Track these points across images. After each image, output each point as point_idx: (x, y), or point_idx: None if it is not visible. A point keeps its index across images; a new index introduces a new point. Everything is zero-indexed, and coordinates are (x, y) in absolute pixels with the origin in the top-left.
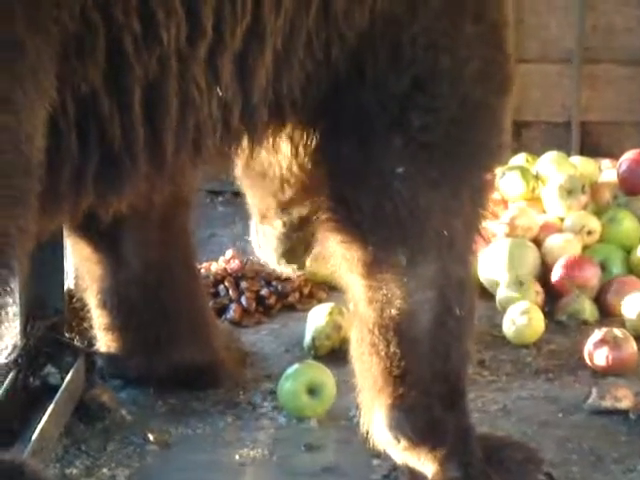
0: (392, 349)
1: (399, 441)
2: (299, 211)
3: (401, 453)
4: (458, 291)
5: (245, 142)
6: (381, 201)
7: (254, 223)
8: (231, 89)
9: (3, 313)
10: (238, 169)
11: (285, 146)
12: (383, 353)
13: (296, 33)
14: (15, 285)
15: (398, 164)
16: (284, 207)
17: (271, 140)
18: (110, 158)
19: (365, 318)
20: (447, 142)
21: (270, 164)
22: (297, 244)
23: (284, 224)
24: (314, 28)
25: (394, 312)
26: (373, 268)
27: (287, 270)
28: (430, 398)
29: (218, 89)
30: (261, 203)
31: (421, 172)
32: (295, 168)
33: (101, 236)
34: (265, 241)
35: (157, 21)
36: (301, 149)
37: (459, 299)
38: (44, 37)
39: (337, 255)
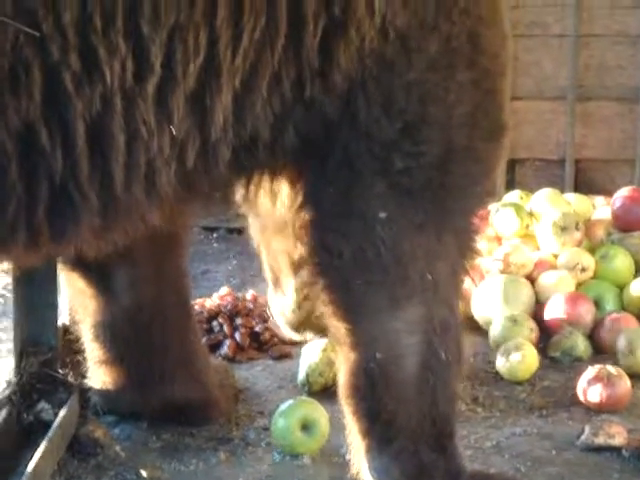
0: (377, 394)
1: None
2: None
3: None
4: (443, 335)
5: (212, 184)
6: (363, 246)
7: (270, 291)
8: (184, 127)
9: None
10: (252, 227)
11: (282, 195)
12: (369, 397)
13: (259, 72)
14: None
15: (381, 209)
16: (296, 267)
17: (265, 185)
18: (59, 193)
19: (349, 362)
20: (430, 187)
21: (282, 219)
22: (310, 313)
23: (296, 290)
24: (281, 66)
25: (378, 356)
26: (356, 313)
27: (302, 337)
28: (418, 442)
29: (170, 127)
30: (275, 261)
31: (404, 217)
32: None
33: (93, 270)
34: (279, 313)
35: (98, 58)
36: (293, 196)
37: (445, 343)
38: None
39: (322, 300)
